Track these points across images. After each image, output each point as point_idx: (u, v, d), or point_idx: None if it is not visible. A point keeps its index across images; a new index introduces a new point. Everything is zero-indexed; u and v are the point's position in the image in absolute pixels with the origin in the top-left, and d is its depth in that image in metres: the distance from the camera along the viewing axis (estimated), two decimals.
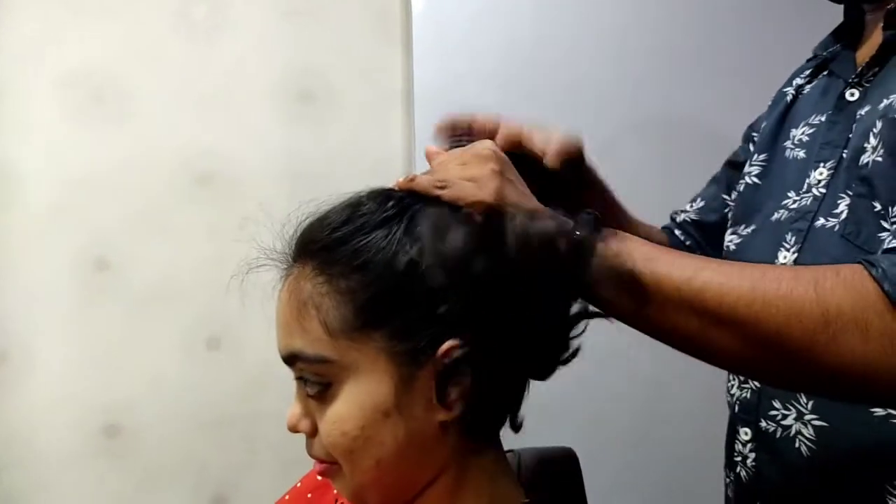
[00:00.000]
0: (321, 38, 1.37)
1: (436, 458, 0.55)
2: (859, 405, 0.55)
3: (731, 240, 0.79)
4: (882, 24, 0.67)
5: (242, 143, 1.35)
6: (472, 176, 0.56)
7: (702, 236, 0.89)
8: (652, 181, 1.31)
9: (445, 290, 0.51)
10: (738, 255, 0.77)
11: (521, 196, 0.56)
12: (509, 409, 0.58)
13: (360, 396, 0.52)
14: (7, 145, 1.29)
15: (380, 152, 1.38)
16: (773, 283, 0.48)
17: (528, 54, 1.23)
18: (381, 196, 0.56)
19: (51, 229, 1.30)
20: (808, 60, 0.82)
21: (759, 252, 0.73)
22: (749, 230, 0.77)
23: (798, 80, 0.81)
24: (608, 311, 0.55)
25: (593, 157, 0.69)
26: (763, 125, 0.83)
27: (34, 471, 1.32)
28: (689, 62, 1.34)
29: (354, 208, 0.55)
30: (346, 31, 1.37)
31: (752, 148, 0.85)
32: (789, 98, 0.80)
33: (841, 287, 0.47)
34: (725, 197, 0.89)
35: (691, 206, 0.93)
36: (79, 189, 1.31)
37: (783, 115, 0.80)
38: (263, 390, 1.35)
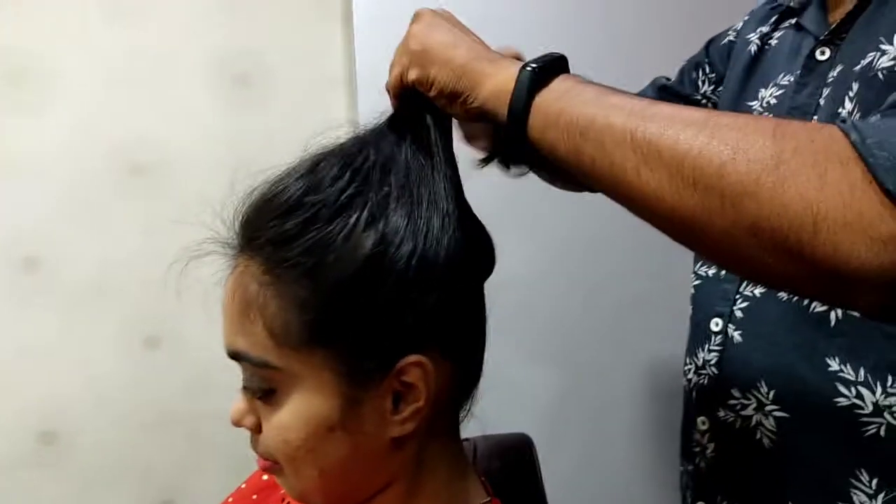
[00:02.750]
0: (257, 18, 1.32)
1: (387, 468, 0.53)
2: (792, 287, 0.45)
3: None
4: None
5: (176, 130, 1.30)
6: (397, 53, 0.56)
7: None
8: None
9: (407, 306, 0.48)
10: None
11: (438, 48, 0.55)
12: (463, 406, 0.56)
13: (304, 409, 0.49)
14: None
15: (323, 137, 1.33)
16: (729, 118, 0.42)
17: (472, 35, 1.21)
18: (338, 164, 0.52)
19: None
20: (770, 14, 0.77)
21: None
22: None
23: (763, 29, 0.76)
24: (551, 155, 0.49)
25: None
26: (725, 77, 0.79)
27: None
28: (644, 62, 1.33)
29: (307, 183, 0.50)
30: (283, 11, 1.33)
31: (701, 82, 0.83)
32: (753, 49, 0.76)
33: (804, 130, 0.41)
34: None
35: None
36: (0, 182, 1.23)
37: (748, 69, 0.75)
38: (206, 389, 1.31)
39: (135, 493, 1.31)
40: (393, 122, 0.56)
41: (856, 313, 0.59)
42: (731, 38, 0.83)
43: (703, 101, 0.87)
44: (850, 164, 0.39)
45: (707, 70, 0.86)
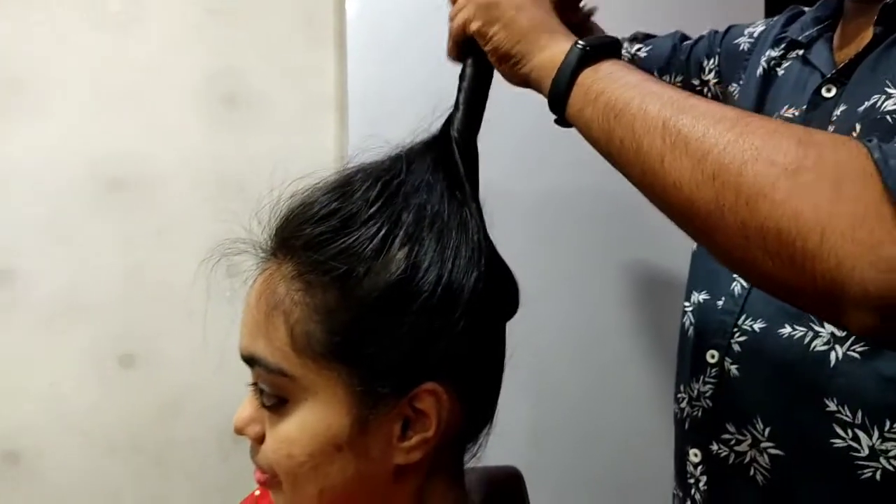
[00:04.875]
0: (246, 38, 1.32)
1: (387, 498, 0.51)
2: (788, 294, 0.45)
3: None
4: (875, 19, 0.62)
5: (159, 147, 1.28)
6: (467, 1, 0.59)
7: None
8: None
9: (428, 333, 0.48)
10: (702, 253, 0.75)
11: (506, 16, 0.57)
12: (472, 442, 0.56)
13: (313, 423, 0.48)
14: None
15: (311, 160, 1.32)
16: (760, 121, 0.43)
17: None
18: (372, 178, 0.52)
19: None
20: (780, 39, 0.79)
21: None
22: None
23: (772, 53, 0.78)
24: (585, 134, 0.52)
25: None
26: (737, 86, 0.83)
27: None
28: None
29: (342, 193, 0.51)
30: (273, 32, 1.33)
31: (707, 70, 0.88)
32: (760, 72, 0.77)
33: (830, 142, 0.41)
34: (672, 62, 0.93)
35: (643, 47, 0.97)
36: None
37: (759, 94, 0.76)
38: (181, 413, 1.28)
39: None
40: (428, 146, 0.56)
41: (854, 354, 0.59)
42: (746, 48, 0.84)
43: (701, 87, 0.91)
44: (869, 182, 0.39)
45: (716, 61, 0.90)
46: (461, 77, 0.62)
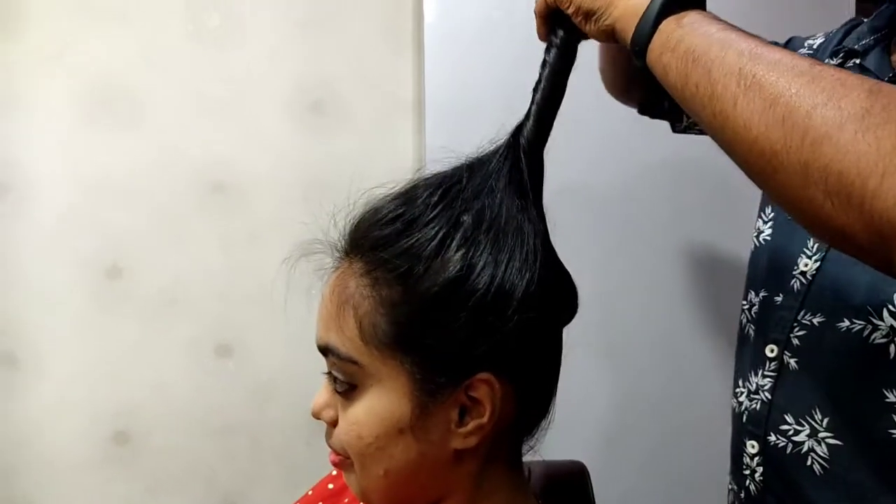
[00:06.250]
0: (333, 48, 1.37)
1: (447, 480, 0.55)
2: (842, 237, 0.45)
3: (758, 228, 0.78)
4: None
5: (254, 153, 1.36)
6: None
7: None
8: (671, 180, 1.31)
9: (482, 329, 0.51)
10: (761, 253, 0.75)
11: None
12: (529, 434, 0.58)
13: (379, 407, 0.52)
14: (22, 151, 1.30)
15: (391, 162, 1.38)
16: (832, 70, 0.44)
17: (539, 62, 1.22)
18: (435, 184, 0.55)
19: (64, 235, 1.31)
20: (837, 50, 0.78)
21: (779, 255, 0.71)
22: (769, 229, 0.75)
23: (830, 62, 0.77)
24: (662, 80, 0.53)
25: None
26: None
27: (43, 476, 1.32)
28: None
29: (407, 199, 0.55)
30: (357, 42, 1.38)
31: None
32: None
33: None
34: None
35: None
36: (92, 195, 1.32)
37: None
38: (271, 399, 1.36)
39: (198, 495, 1.36)
40: (496, 153, 0.59)
41: None
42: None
43: None
44: None
45: None
46: (543, 64, 0.63)
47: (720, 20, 0.52)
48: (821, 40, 0.82)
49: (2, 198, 1.30)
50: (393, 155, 1.38)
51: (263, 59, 1.35)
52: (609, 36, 0.58)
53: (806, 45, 0.84)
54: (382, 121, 1.39)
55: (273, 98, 1.36)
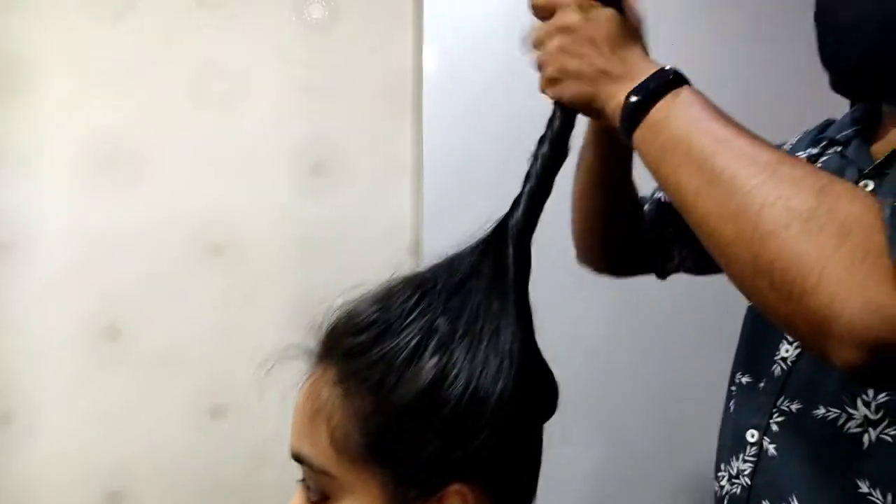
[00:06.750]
0: (334, 110, 1.40)
1: None
2: (787, 327, 0.49)
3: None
4: None
5: (254, 213, 1.37)
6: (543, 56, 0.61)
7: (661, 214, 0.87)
8: None
9: (456, 439, 0.50)
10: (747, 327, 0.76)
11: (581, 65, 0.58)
12: None
13: None
14: (25, 209, 1.32)
15: (389, 220, 1.39)
16: (789, 169, 0.47)
17: (538, 125, 1.24)
18: (411, 287, 0.55)
19: (62, 291, 1.32)
20: (819, 139, 0.79)
21: (762, 339, 0.72)
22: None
23: (812, 150, 0.78)
24: (644, 161, 0.56)
25: None
26: None
27: None
28: None
29: (382, 305, 0.54)
30: (358, 104, 1.40)
31: None
32: None
33: (848, 194, 0.45)
34: None
35: None
36: (92, 254, 1.33)
37: None
38: (265, 462, 1.34)
39: None
40: (480, 246, 0.58)
41: (887, 437, 0.59)
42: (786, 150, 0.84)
43: None
44: (873, 234, 0.43)
45: None
46: (540, 141, 0.63)
47: (691, 105, 0.53)
48: (795, 139, 0.83)
49: (4, 256, 1.31)
50: (391, 213, 1.40)
51: (265, 121, 1.38)
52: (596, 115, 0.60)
53: (786, 146, 0.85)
54: (381, 181, 1.40)
55: (274, 159, 1.38)
